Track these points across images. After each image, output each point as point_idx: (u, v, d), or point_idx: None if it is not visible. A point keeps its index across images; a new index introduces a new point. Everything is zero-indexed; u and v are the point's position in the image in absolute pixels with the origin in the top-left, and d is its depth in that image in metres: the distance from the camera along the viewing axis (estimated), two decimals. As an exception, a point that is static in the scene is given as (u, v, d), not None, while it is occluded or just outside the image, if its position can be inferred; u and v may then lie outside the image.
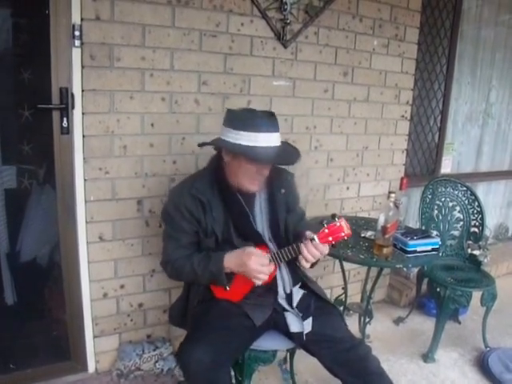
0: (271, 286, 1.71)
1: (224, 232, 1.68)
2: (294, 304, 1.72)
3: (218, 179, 1.68)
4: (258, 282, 1.59)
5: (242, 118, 1.58)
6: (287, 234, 1.75)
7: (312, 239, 1.54)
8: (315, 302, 1.74)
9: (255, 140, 1.54)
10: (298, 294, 1.76)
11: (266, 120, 1.58)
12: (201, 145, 1.72)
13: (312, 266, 1.65)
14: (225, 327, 1.60)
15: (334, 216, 1.57)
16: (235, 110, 1.66)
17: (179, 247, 1.68)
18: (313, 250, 1.54)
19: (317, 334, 1.65)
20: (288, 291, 1.74)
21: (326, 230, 1.54)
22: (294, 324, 1.67)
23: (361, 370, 1.61)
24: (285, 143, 1.68)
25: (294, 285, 1.76)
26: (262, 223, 1.74)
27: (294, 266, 1.74)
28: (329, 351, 1.64)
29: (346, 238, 1.56)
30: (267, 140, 1.56)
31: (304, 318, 1.67)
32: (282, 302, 1.73)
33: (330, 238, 1.54)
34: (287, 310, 1.71)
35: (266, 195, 1.74)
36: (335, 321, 1.73)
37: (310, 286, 1.81)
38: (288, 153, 1.66)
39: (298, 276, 1.80)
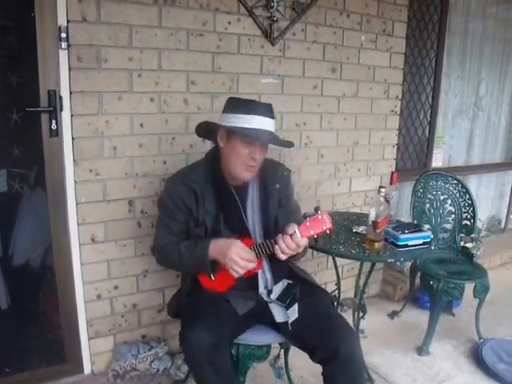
0: (253, 282, 1.73)
1: (214, 224, 1.70)
2: (273, 297, 1.74)
3: (213, 170, 1.72)
4: (235, 274, 1.60)
5: (238, 103, 1.65)
6: (277, 229, 1.75)
7: (293, 232, 1.54)
8: (301, 287, 1.76)
9: (249, 122, 1.59)
10: (281, 286, 1.78)
11: (261, 105, 1.67)
12: (197, 129, 1.78)
13: (293, 257, 1.64)
14: (215, 313, 1.62)
15: (316, 209, 1.57)
16: (236, 97, 1.72)
17: (169, 234, 1.74)
18: (289, 242, 1.54)
19: (301, 319, 1.65)
20: (270, 288, 1.77)
21: (308, 223, 1.55)
22: (279, 315, 1.70)
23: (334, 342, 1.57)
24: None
25: (276, 282, 1.78)
26: (252, 217, 1.76)
27: (276, 263, 1.74)
28: (310, 328, 1.64)
29: (328, 231, 1.56)
30: (261, 123, 1.61)
31: (288, 308, 1.68)
32: (263, 295, 1.76)
33: (312, 232, 1.55)
34: (271, 302, 1.74)
35: (259, 189, 1.76)
36: (318, 299, 1.75)
37: (298, 273, 1.84)
38: (281, 139, 1.72)
39: (282, 273, 1.81)
